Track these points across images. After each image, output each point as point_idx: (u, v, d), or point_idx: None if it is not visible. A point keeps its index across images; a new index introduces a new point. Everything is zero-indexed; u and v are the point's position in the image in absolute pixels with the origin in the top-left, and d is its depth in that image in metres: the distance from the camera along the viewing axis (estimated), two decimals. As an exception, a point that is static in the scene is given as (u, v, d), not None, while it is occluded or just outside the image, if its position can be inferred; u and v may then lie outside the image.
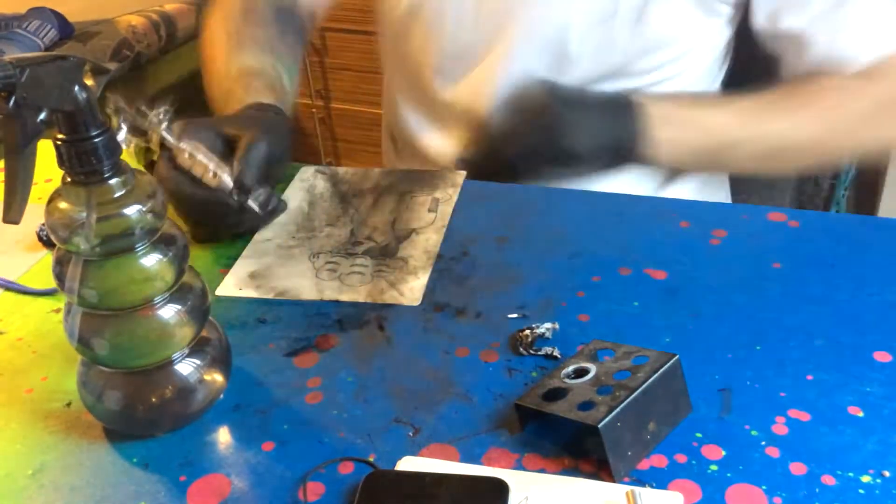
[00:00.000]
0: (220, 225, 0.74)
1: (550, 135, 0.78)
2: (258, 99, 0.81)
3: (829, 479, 0.49)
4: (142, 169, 0.66)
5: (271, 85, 0.86)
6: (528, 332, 0.61)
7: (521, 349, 0.60)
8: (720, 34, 0.87)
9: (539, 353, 0.60)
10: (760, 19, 0.82)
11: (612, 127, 0.79)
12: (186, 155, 0.70)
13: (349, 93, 2.15)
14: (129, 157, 0.66)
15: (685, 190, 0.91)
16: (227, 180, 0.70)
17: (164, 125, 0.69)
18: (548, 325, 0.61)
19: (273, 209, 0.74)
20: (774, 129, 0.80)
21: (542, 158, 0.80)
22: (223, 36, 0.93)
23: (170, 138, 0.70)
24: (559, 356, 0.59)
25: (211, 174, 0.69)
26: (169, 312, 0.53)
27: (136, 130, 0.69)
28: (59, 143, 0.47)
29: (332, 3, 1.05)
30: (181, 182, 0.70)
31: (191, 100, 0.76)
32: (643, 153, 0.79)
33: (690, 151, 0.81)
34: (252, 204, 0.71)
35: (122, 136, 0.68)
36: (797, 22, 0.80)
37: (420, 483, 0.49)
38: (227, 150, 0.73)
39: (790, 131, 0.80)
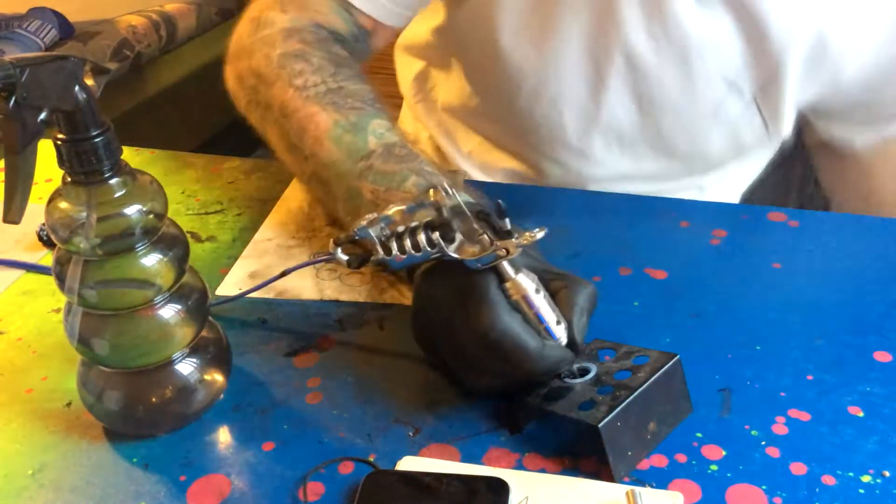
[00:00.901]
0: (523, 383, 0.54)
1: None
2: (426, 158, 0.63)
3: (829, 479, 0.49)
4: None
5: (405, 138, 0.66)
6: None
7: None
8: None
9: None
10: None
11: None
12: (533, 296, 0.52)
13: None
14: (383, 249, 0.53)
15: (686, 190, 0.90)
16: (564, 337, 0.53)
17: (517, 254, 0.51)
18: None
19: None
20: None
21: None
22: (302, 96, 0.68)
23: (520, 278, 0.52)
24: None
25: (555, 327, 0.52)
26: (169, 312, 0.53)
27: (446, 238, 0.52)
28: (59, 142, 0.47)
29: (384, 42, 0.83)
30: (524, 332, 0.51)
31: (192, 99, 0.74)
32: None
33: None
34: (576, 367, 0.54)
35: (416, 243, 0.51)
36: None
37: (420, 483, 0.49)
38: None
39: None
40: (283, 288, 0.69)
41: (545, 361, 0.51)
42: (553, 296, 0.54)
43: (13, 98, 0.43)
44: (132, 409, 0.55)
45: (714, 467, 0.51)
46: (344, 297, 0.67)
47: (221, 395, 0.58)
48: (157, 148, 0.92)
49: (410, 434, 0.54)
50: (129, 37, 1.87)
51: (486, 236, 0.51)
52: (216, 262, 0.73)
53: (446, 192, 0.51)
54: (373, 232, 0.52)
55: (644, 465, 0.51)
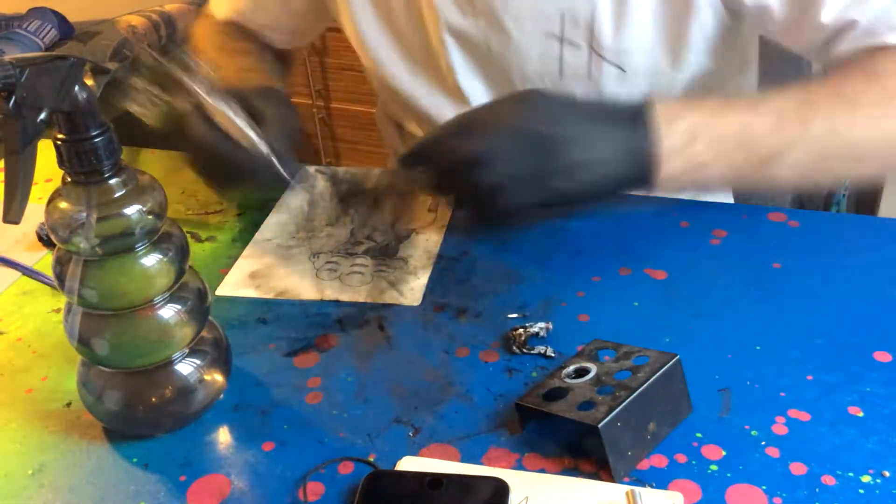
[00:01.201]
0: (250, 184, 0.74)
1: (538, 159, 0.62)
2: (266, 84, 0.81)
3: (829, 479, 0.49)
4: (153, 126, 0.68)
5: (268, 78, 0.87)
6: (521, 330, 0.61)
7: (515, 347, 0.60)
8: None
9: (532, 351, 0.60)
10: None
11: (623, 145, 0.63)
12: (225, 116, 0.69)
13: (349, 93, 2.15)
14: (144, 115, 0.68)
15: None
16: (262, 145, 0.69)
17: (206, 86, 0.68)
18: (541, 324, 0.62)
19: (302, 178, 0.76)
20: (821, 130, 0.66)
21: (526, 194, 0.63)
22: (209, 47, 0.94)
23: (212, 98, 0.68)
24: (552, 355, 0.59)
25: (247, 136, 0.69)
26: (169, 312, 0.53)
27: (162, 86, 0.68)
28: (59, 142, 0.47)
29: (301, 40, 1.05)
30: (219, 140, 0.69)
31: None
32: (665, 175, 0.65)
33: (726, 169, 0.67)
34: (282, 170, 0.70)
35: (140, 85, 0.67)
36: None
37: (420, 483, 0.49)
38: (254, 118, 0.72)
39: (842, 131, 0.67)
40: (283, 288, 0.69)
41: (232, 159, 0.69)
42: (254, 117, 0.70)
43: (13, 98, 0.43)
44: (132, 409, 0.55)
45: (714, 467, 0.51)
46: (344, 298, 0.67)
47: (221, 395, 0.58)
48: (157, 148, 0.92)
49: (410, 434, 0.54)
50: (129, 37, 1.86)
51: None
52: (216, 263, 0.73)
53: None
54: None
55: (644, 465, 0.51)
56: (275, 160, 0.70)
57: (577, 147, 0.63)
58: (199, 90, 0.68)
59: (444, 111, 0.88)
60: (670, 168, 0.65)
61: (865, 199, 1.33)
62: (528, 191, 0.63)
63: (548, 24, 0.78)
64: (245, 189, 0.77)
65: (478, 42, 0.83)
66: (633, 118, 0.65)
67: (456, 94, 0.87)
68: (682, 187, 0.70)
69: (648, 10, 0.76)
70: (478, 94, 0.86)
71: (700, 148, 0.65)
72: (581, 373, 0.55)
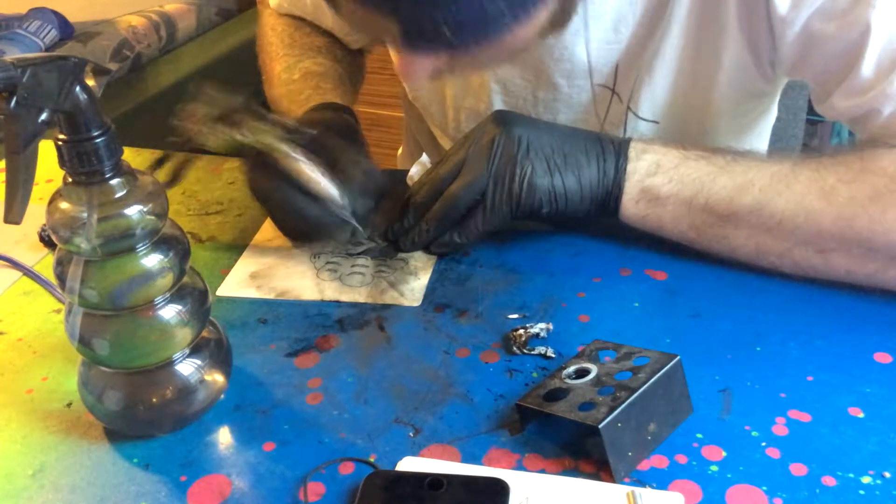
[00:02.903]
0: (322, 236, 0.71)
1: (506, 184, 0.67)
2: (329, 99, 0.80)
3: (829, 480, 0.49)
4: (211, 152, 0.67)
5: (338, 86, 0.84)
6: (521, 331, 0.61)
7: (515, 348, 0.60)
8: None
9: (532, 352, 0.60)
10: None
11: (592, 171, 0.67)
12: (305, 168, 0.66)
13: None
14: (211, 140, 0.66)
15: None
16: (338, 198, 0.67)
17: (283, 135, 0.66)
18: (542, 324, 0.62)
19: (374, 232, 0.72)
20: (783, 209, 0.63)
21: (498, 212, 0.68)
22: (279, 43, 0.92)
23: (297, 156, 0.66)
24: (552, 355, 0.59)
25: (323, 187, 0.66)
26: (170, 313, 0.53)
27: (226, 119, 0.66)
28: (60, 143, 0.47)
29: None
30: (293, 193, 0.66)
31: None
32: (626, 199, 0.67)
33: (683, 212, 0.66)
34: (354, 222, 0.68)
35: (200, 114, 0.65)
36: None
37: (420, 483, 0.49)
38: (329, 163, 0.69)
39: (806, 217, 0.63)
40: (283, 288, 0.69)
41: (310, 214, 0.67)
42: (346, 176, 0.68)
43: (14, 98, 0.43)
44: (133, 410, 0.55)
45: (714, 468, 0.51)
46: (344, 298, 0.67)
47: (222, 396, 0.58)
48: (158, 148, 0.92)
49: (411, 434, 0.54)
50: (129, 37, 1.87)
51: (263, 123, 0.67)
52: (217, 263, 0.73)
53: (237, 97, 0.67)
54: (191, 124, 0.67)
55: (644, 465, 0.51)
56: (353, 220, 0.68)
57: (551, 172, 0.67)
58: (279, 143, 0.66)
59: None
60: (631, 192, 0.67)
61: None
62: (499, 213, 0.68)
63: (600, 77, 0.79)
64: (317, 240, 0.73)
65: (524, 94, 0.83)
66: (607, 148, 0.68)
67: None
68: (644, 219, 0.68)
69: (676, 72, 0.76)
70: None
71: (660, 180, 0.67)
72: (581, 373, 0.55)
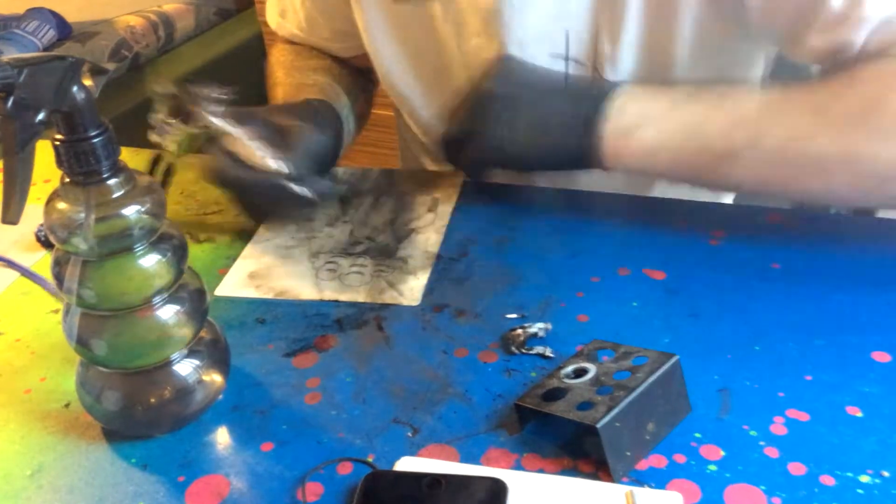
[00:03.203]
0: (277, 209, 0.74)
1: (481, 120, 0.70)
2: (306, 97, 0.82)
3: (828, 479, 0.49)
4: (183, 156, 0.68)
5: (323, 92, 0.85)
6: (520, 331, 0.61)
7: (513, 348, 0.60)
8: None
9: (531, 351, 0.60)
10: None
11: (571, 117, 0.68)
12: (240, 142, 0.69)
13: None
14: (170, 143, 0.68)
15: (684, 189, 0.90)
16: (282, 166, 0.69)
17: (219, 111, 0.68)
18: (540, 324, 0.62)
19: (327, 195, 0.74)
20: (780, 136, 0.63)
21: (480, 150, 0.72)
22: (281, 71, 0.94)
23: (226, 126, 0.68)
24: (551, 355, 0.59)
25: (265, 161, 0.69)
26: (168, 313, 0.53)
27: (181, 114, 0.68)
28: (57, 143, 0.47)
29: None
30: (235, 168, 0.69)
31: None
32: (609, 153, 0.68)
33: (676, 159, 0.67)
34: (306, 191, 0.70)
35: (158, 118, 0.67)
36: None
37: (419, 483, 0.49)
38: (276, 139, 0.72)
39: (803, 141, 0.63)
40: (282, 288, 0.69)
41: (250, 184, 0.69)
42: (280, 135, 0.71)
43: (11, 98, 0.43)
44: (131, 410, 0.55)
45: (713, 467, 0.51)
46: (343, 298, 0.67)
47: (220, 396, 0.58)
48: (157, 148, 0.92)
49: (409, 434, 0.54)
50: (127, 37, 1.86)
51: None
52: (215, 263, 0.73)
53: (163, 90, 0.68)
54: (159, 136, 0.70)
55: (643, 465, 0.51)
56: (289, 183, 0.69)
57: (528, 111, 0.69)
58: (212, 118, 0.68)
59: None
60: (615, 146, 0.67)
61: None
62: (481, 149, 0.71)
63: (552, 46, 0.79)
64: (275, 214, 0.76)
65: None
66: (592, 96, 0.68)
67: None
68: (633, 170, 0.69)
69: (638, 22, 0.76)
70: None
71: (649, 133, 0.66)
72: (580, 373, 0.55)
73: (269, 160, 0.69)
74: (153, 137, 0.69)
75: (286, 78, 0.91)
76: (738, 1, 0.70)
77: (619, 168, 0.69)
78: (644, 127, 0.67)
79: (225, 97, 0.69)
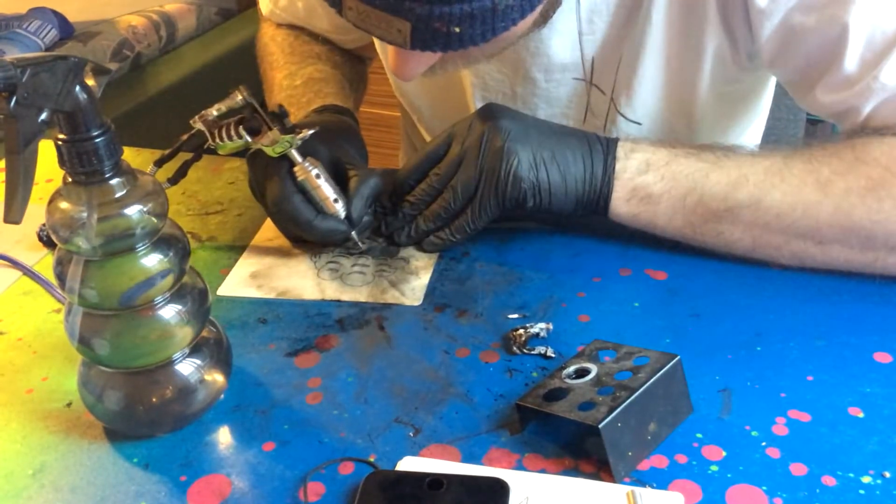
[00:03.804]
0: (316, 238, 0.72)
1: (493, 177, 0.66)
2: (331, 102, 0.81)
3: (829, 480, 0.49)
4: (221, 153, 0.68)
5: (339, 90, 0.86)
6: (521, 331, 0.61)
7: (515, 348, 0.60)
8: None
9: (532, 352, 0.60)
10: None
11: (581, 168, 0.67)
12: (313, 177, 0.68)
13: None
14: (212, 138, 0.68)
15: None
16: (342, 212, 0.69)
17: (297, 145, 0.67)
18: (542, 324, 0.62)
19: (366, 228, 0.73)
20: (779, 202, 0.63)
21: (489, 206, 0.68)
22: (279, 52, 0.93)
23: (306, 164, 0.68)
24: (552, 355, 0.59)
25: (331, 203, 0.68)
26: (170, 313, 0.53)
27: (245, 123, 0.67)
28: (60, 143, 0.47)
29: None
30: (301, 206, 0.68)
31: (192, 99, 0.75)
32: (616, 197, 0.67)
33: (676, 209, 0.66)
34: (355, 236, 0.70)
35: (212, 113, 0.67)
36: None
37: (420, 483, 0.49)
38: (340, 179, 0.71)
39: (803, 209, 0.63)
40: (284, 288, 0.69)
41: (316, 229, 0.68)
42: (346, 181, 0.70)
43: (14, 98, 0.43)
44: (132, 410, 0.55)
45: (714, 468, 0.51)
46: (344, 298, 0.67)
47: (222, 396, 0.58)
48: (157, 148, 0.92)
49: (411, 434, 0.54)
50: (129, 37, 1.86)
51: (275, 130, 0.67)
52: (217, 263, 0.73)
53: (245, 97, 0.67)
54: (204, 126, 0.68)
55: (644, 465, 0.51)
56: (350, 230, 0.69)
57: (536, 165, 0.66)
58: (298, 155, 0.68)
59: None
60: (621, 191, 0.67)
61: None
62: (487, 206, 0.68)
63: (576, 72, 0.79)
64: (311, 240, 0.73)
65: (503, 88, 0.83)
66: (595, 147, 0.68)
67: None
68: (635, 217, 0.68)
69: (660, 64, 0.76)
70: None
71: (651, 178, 0.66)
72: (581, 373, 0.55)
73: (340, 206, 0.68)
74: (197, 124, 0.68)
75: (287, 63, 0.89)
76: (751, 43, 0.70)
77: (620, 212, 0.68)
78: (647, 173, 0.66)
79: (305, 133, 0.68)
